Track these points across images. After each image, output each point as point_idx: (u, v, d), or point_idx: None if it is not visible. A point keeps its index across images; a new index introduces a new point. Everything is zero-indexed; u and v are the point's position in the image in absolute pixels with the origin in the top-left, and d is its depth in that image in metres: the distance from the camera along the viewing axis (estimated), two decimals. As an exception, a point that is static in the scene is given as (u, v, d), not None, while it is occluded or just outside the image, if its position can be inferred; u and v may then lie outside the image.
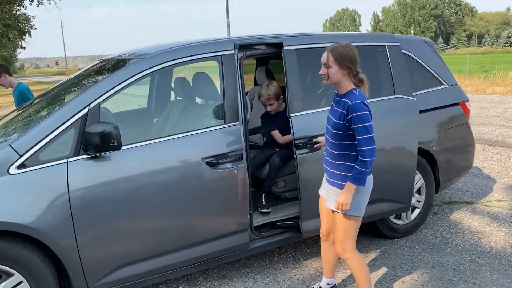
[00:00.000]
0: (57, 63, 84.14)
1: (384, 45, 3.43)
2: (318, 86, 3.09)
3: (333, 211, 2.52)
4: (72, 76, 3.56)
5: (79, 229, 2.43)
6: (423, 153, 3.69)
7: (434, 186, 3.83)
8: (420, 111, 3.55)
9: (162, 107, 3.55)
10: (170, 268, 2.75)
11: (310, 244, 3.63)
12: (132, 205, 2.56)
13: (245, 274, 3.23)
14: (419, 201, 3.78)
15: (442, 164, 3.79)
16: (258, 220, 3.16)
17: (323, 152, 2.65)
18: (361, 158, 2.31)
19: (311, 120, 3.02)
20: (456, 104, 3.88)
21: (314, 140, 2.85)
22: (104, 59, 3.40)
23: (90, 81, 2.92)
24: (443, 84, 3.89)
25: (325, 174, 2.62)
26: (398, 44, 3.47)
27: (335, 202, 2.43)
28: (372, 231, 3.68)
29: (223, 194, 2.83)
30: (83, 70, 3.52)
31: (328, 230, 2.70)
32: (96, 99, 2.56)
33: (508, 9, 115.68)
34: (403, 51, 3.73)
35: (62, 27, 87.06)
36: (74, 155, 2.46)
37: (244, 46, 3.05)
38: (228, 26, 36.40)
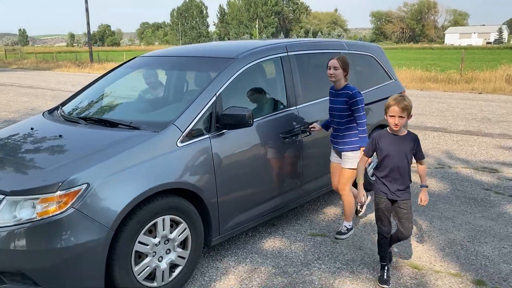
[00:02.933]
0: None
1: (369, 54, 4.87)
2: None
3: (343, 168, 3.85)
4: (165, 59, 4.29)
5: (219, 186, 3.24)
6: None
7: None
8: (385, 98, 5.07)
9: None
10: (265, 213, 3.69)
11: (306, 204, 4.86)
12: (252, 166, 3.45)
13: (291, 223, 4.31)
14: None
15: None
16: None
17: (332, 134, 3.89)
18: (363, 129, 3.68)
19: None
20: (400, 93, 5.49)
21: (310, 126, 3.91)
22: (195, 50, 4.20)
23: (199, 72, 3.67)
24: (392, 79, 5.48)
25: (335, 148, 3.88)
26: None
27: (348, 161, 3.76)
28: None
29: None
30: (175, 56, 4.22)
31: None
32: (219, 89, 3.35)
33: (336, 10, 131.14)
34: (369, 54, 5.21)
35: None
36: (212, 131, 3.25)
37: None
38: (87, 10, 34.55)
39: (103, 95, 4.00)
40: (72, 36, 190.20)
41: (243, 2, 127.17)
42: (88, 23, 35.12)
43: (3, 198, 2.62)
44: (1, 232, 2.55)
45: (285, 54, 4.00)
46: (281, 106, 3.92)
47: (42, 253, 2.53)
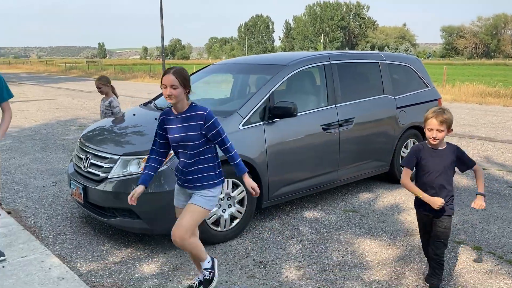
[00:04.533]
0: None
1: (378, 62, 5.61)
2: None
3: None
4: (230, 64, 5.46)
5: (269, 162, 4.23)
6: (419, 129, 5.94)
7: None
8: (420, 103, 5.84)
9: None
10: (305, 189, 4.63)
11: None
12: (295, 149, 4.42)
13: (329, 202, 5.20)
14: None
15: (428, 136, 6.08)
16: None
17: (178, 166, 2.92)
18: (234, 151, 2.86)
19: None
20: (436, 99, 6.21)
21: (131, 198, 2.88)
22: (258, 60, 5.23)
23: (258, 75, 4.72)
24: (428, 87, 6.21)
25: (180, 188, 2.94)
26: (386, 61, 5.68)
27: (204, 198, 2.82)
28: (390, 180, 5.84)
29: (329, 147, 4.80)
30: (239, 63, 5.37)
31: None
32: (273, 88, 4.38)
33: (404, 24, 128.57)
34: (406, 65, 6.00)
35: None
36: (265, 119, 4.26)
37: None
38: (162, 26, 37.36)
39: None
40: (145, 49, 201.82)
41: (309, 17, 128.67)
42: (162, 38, 37.89)
43: (119, 158, 3.80)
44: (116, 180, 3.73)
45: (328, 62, 4.95)
46: (322, 104, 4.86)
47: (143, 195, 3.64)
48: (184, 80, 2.78)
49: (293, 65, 4.66)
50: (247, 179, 2.92)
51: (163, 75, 2.80)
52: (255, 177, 4.20)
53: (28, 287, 3.09)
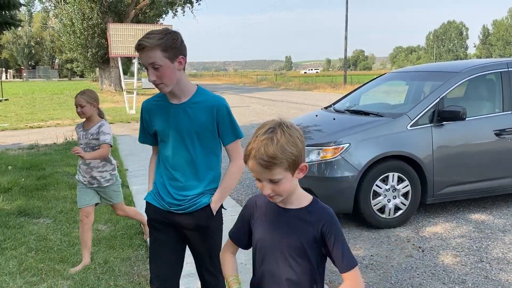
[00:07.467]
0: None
1: None
2: None
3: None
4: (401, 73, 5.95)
5: (435, 162, 4.60)
6: None
7: None
8: None
9: None
10: (472, 192, 4.82)
11: None
12: (463, 151, 4.68)
13: (501, 208, 5.20)
14: None
15: None
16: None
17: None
18: None
19: None
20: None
21: None
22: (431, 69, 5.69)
23: (431, 82, 5.15)
24: None
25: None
26: None
27: None
28: None
29: (502, 152, 4.86)
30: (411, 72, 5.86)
31: None
32: (443, 93, 4.73)
33: None
34: None
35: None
36: (433, 122, 4.65)
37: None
38: (346, 38, 38.46)
39: (361, 97, 5.87)
40: (328, 61, 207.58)
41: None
42: (345, 50, 38.95)
43: (303, 148, 4.71)
44: (300, 166, 4.64)
45: (506, 69, 5.02)
46: (497, 110, 4.95)
47: (321, 179, 4.48)
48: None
49: (465, 72, 4.91)
50: None
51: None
52: (421, 175, 4.61)
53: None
